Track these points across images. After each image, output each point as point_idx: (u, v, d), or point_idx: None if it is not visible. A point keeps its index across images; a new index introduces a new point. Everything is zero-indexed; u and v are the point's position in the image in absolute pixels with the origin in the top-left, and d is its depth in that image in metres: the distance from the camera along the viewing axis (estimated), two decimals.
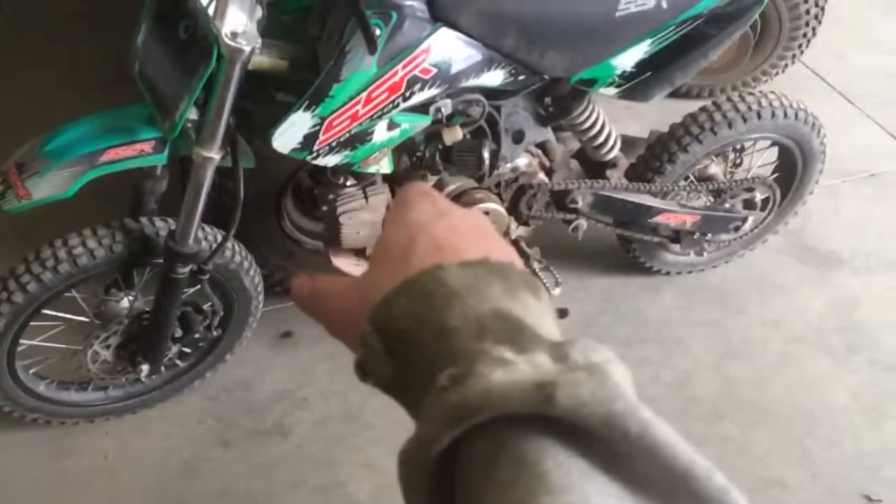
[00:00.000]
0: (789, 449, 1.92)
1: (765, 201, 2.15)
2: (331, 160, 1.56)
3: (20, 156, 1.51)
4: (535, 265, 1.92)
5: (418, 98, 1.53)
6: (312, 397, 1.97)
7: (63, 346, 1.76)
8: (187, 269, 1.60)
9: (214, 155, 1.45)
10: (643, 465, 0.31)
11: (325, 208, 1.79)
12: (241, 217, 1.56)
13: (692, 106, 2.04)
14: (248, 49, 1.34)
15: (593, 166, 2.01)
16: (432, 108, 1.58)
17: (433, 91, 1.53)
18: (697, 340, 2.16)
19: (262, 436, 1.89)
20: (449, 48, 1.50)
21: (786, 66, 2.85)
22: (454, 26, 1.49)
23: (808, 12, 2.66)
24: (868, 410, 2.01)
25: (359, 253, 1.84)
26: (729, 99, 1.97)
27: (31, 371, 1.77)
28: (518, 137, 1.80)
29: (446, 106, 1.59)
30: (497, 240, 0.44)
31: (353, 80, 1.44)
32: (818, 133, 2.07)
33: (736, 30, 1.76)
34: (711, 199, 2.12)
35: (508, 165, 1.84)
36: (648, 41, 1.69)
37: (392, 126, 1.57)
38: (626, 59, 1.71)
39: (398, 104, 1.51)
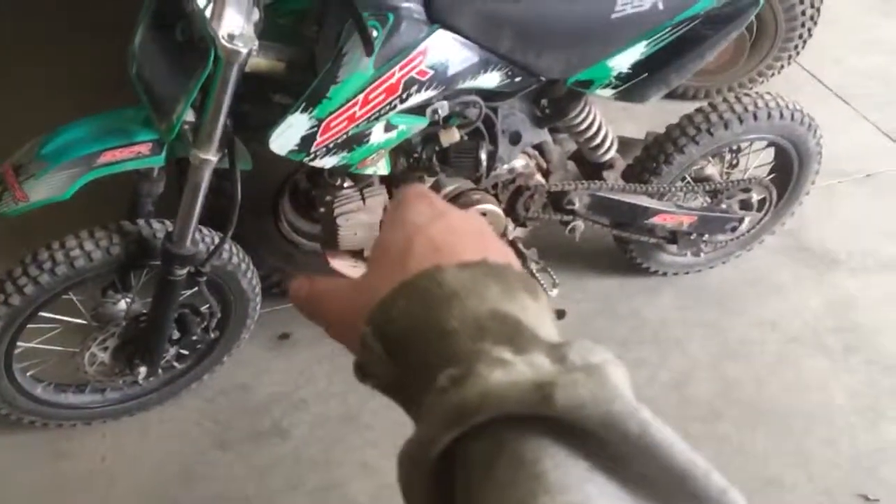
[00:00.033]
0: (786, 449, 1.92)
1: (761, 202, 2.15)
2: (328, 162, 1.56)
3: (17, 158, 1.51)
4: (533, 266, 1.92)
5: (415, 100, 1.53)
6: (310, 399, 1.97)
7: (60, 348, 1.76)
8: (185, 271, 1.60)
9: (211, 157, 1.45)
10: (642, 466, 0.32)
11: (322, 210, 1.79)
12: (238, 219, 1.56)
13: (688, 107, 2.04)
14: (245, 51, 1.34)
15: (590, 168, 2.01)
16: (429, 110, 1.58)
17: (430, 93, 1.53)
18: (695, 341, 2.16)
19: (260, 437, 1.89)
20: (446, 50, 1.50)
21: (782, 67, 2.86)
22: (451, 28, 1.49)
23: (803, 13, 2.66)
24: (865, 410, 2.01)
25: (356, 254, 1.84)
26: (725, 100, 1.97)
27: (28, 373, 1.76)
28: (515, 139, 1.80)
29: (443, 108, 1.59)
30: (495, 241, 0.45)
31: (351, 82, 1.45)
32: (814, 134, 2.07)
33: (732, 31, 1.76)
34: (708, 199, 2.12)
35: (505, 167, 1.84)
36: (645, 43, 1.69)
37: (389, 128, 1.57)
38: (623, 61, 1.71)
39: (395, 106, 1.51)
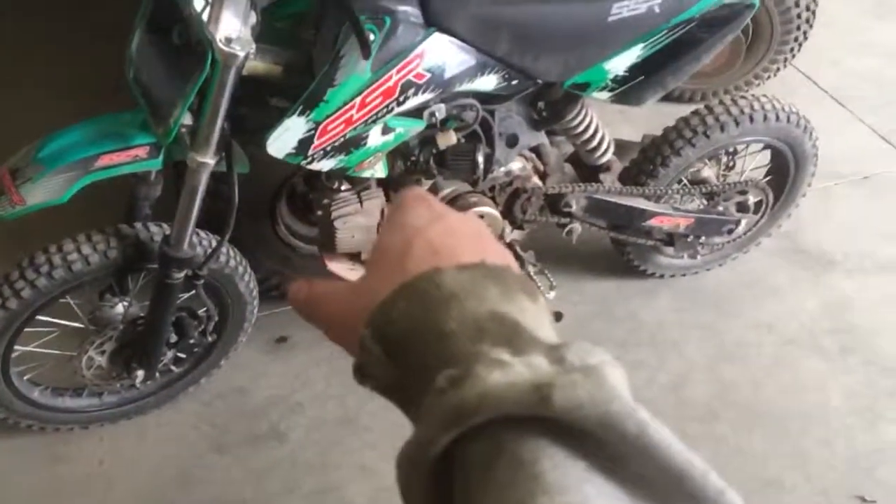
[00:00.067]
0: (784, 450, 1.92)
1: (758, 204, 2.16)
2: (325, 165, 1.56)
3: (14, 162, 1.51)
4: (530, 269, 1.92)
5: (412, 103, 1.53)
6: (308, 402, 1.97)
7: (58, 352, 1.76)
8: (182, 275, 1.59)
9: (209, 160, 1.45)
10: (640, 466, 0.32)
11: (319, 213, 1.79)
12: (235, 222, 1.56)
13: (685, 110, 2.05)
14: (242, 54, 1.34)
15: (587, 170, 2.01)
16: (426, 113, 1.59)
17: (427, 96, 1.53)
18: (692, 343, 2.16)
19: (258, 441, 1.89)
20: (443, 53, 1.50)
21: (777, 69, 2.86)
22: (448, 31, 1.50)
23: (799, 16, 2.67)
24: (862, 411, 2.01)
25: (354, 257, 1.84)
26: (721, 102, 1.98)
27: (25, 377, 1.76)
28: (512, 141, 1.81)
29: (440, 110, 1.60)
30: (493, 243, 0.45)
31: (348, 85, 1.45)
32: (810, 136, 2.08)
33: (728, 34, 1.77)
34: (705, 202, 2.12)
35: (502, 169, 1.85)
36: (641, 45, 1.70)
37: (386, 130, 1.57)
38: (619, 64, 1.72)
39: (392, 109, 1.51)
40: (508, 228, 1.94)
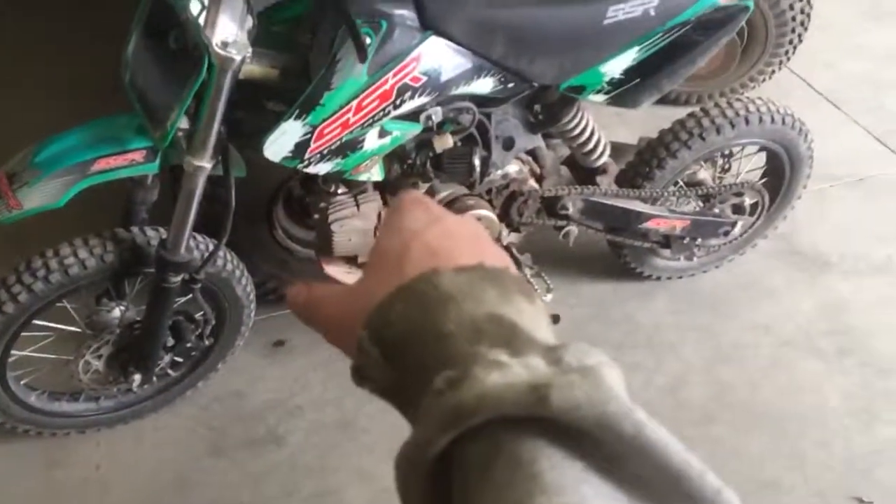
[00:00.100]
0: (781, 452, 1.93)
1: (753, 206, 2.16)
2: (322, 168, 1.56)
3: (11, 166, 1.51)
4: (527, 271, 1.92)
5: (409, 106, 1.53)
6: (306, 405, 1.97)
7: (54, 356, 1.76)
8: (179, 279, 1.59)
9: (206, 164, 1.45)
10: (637, 466, 0.32)
11: (316, 216, 1.79)
12: (232, 226, 1.56)
13: (681, 112, 2.05)
14: (238, 58, 1.34)
15: (583, 173, 2.02)
16: (423, 116, 1.59)
17: (424, 99, 1.54)
18: (688, 345, 2.17)
19: (255, 444, 1.89)
20: (439, 56, 1.50)
21: (773, 72, 2.87)
22: (444, 34, 1.50)
23: (794, 19, 2.68)
24: (859, 413, 2.02)
25: (350, 260, 1.84)
26: (717, 105, 1.98)
27: (22, 382, 1.76)
28: (508, 144, 1.81)
29: (437, 114, 1.60)
30: (491, 245, 0.45)
31: (344, 89, 1.45)
32: (805, 138, 2.09)
33: (723, 36, 1.78)
34: (701, 204, 2.13)
35: (499, 172, 1.85)
36: (636, 48, 1.70)
37: (383, 134, 1.57)
38: (615, 66, 1.72)
39: (389, 112, 1.52)
40: (505, 231, 1.94)
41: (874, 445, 1.95)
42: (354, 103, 1.47)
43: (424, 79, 1.50)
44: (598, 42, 1.67)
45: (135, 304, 1.70)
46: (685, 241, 2.13)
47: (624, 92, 1.77)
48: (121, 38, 1.51)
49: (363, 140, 1.55)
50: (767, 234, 2.33)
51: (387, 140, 1.59)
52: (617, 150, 2.05)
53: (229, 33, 1.34)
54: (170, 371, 1.85)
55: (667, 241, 2.12)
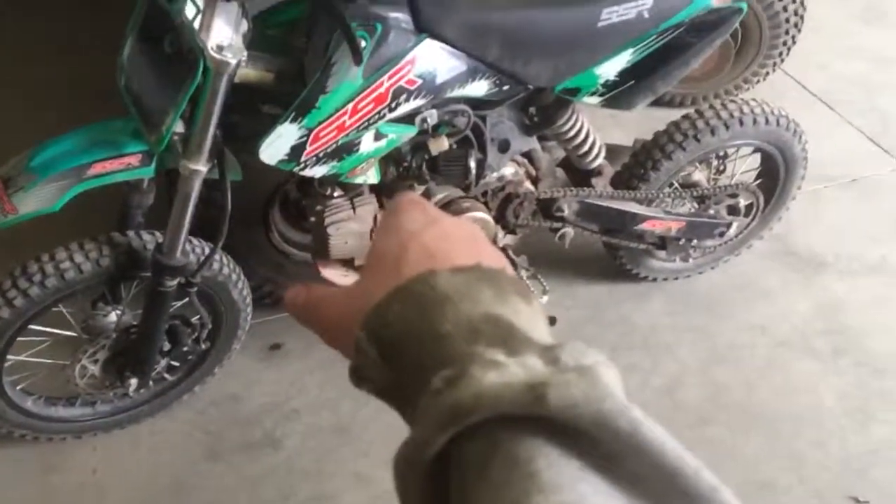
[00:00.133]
0: (777, 452, 1.93)
1: (748, 207, 2.17)
2: (318, 171, 1.56)
3: (6, 171, 1.51)
4: (523, 273, 1.93)
5: (404, 109, 1.53)
6: (302, 409, 1.97)
7: (50, 361, 1.75)
8: (175, 283, 1.59)
9: (201, 167, 1.45)
10: (633, 464, 0.32)
11: (312, 219, 1.79)
12: (228, 229, 1.56)
13: (675, 114, 2.06)
14: (234, 62, 1.34)
15: (579, 175, 2.02)
16: (418, 119, 1.59)
17: (419, 101, 1.54)
18: (684, 346, 2.17)
19: (252, 448, 1.88)
20: (434, 59, 1.51)
21: (767, 73, 2.88)
22: (439, 37, 1.50)
23: (787, 20, 2.69)
24: (855, 412, 2.02)
25: (347, 263, 1.84)
26: (711, 106, 1.99)
27: (18, 387, 1.75)
28: (504, 147, 1.81)
29: (432, 116, 1.60)
30: (487, 247, 0.45)
31: (340, 92, 1.45)
32: (800, 139, 2.09)
33: (717, 38, 1.78)
34: (696, 205, 2.13)
35: (494, 175, 1.85)
36: (631, 50, 1.71)
37: (378, 137, 1.57)
38: (609, 68, 1.73)
39: (384, 115, 1.52)
40: (501, 233, 1.94)
41: (870, 445, 1.95)
42: (350, 106, 1.47)
43: (419, 81, 1.51)
44: (593, 44, 1.68)
45: (131, 308, 1.70)
46: (680, 243, 2.13)
47: (618, 94, 1.78)
48: (121, 37, 1.51)
49: (359, 143, 1.55)
50: (762, 235, 2.34)
51: (382, 143, 1.59)
52: (612, 151, 2.06)
53: (224, 37, 1.34)
54: (166, 375, 1.85)
55: (662, 242, 2.12)
